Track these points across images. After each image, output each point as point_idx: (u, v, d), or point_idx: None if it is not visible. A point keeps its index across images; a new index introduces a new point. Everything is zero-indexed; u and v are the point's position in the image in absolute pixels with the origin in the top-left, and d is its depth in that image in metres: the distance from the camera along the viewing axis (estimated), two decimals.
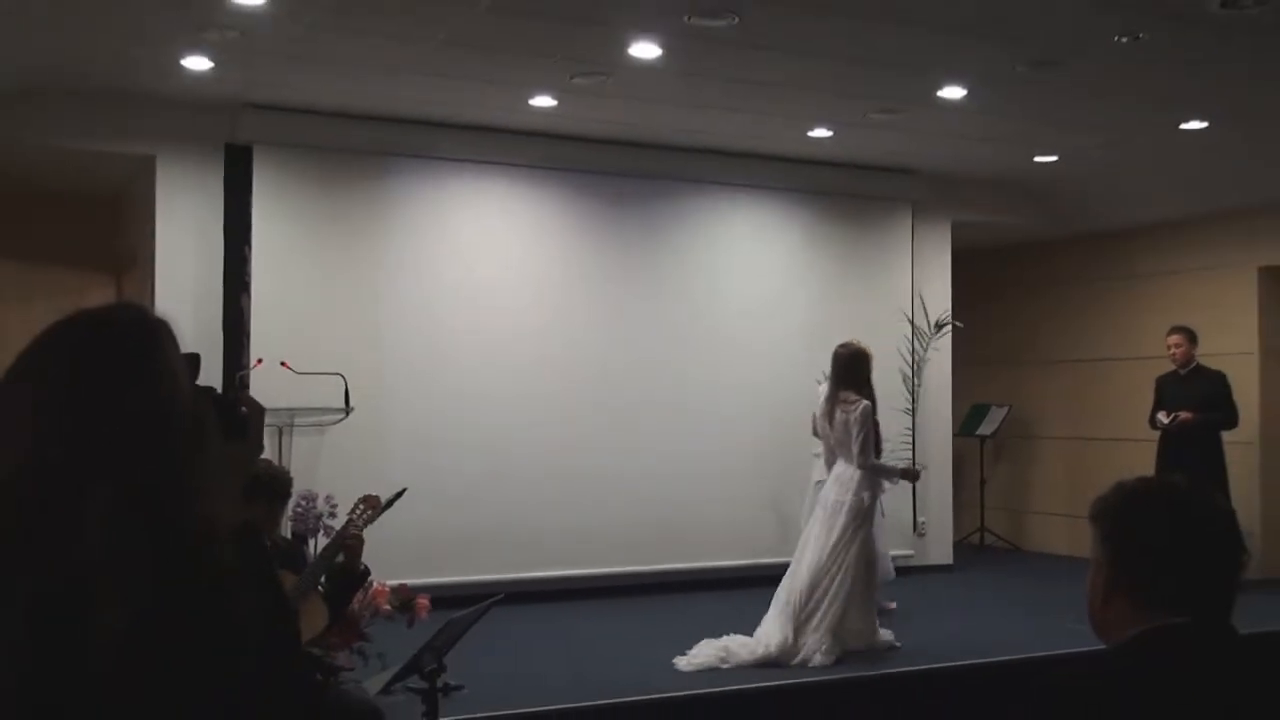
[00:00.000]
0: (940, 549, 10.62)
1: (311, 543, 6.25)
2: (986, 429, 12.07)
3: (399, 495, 4.81)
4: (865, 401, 7.07)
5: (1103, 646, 2.14)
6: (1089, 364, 11.54)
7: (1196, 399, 9.24)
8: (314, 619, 4.35)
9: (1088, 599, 2.16)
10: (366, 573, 4.60)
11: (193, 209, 8.22)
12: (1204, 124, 8.38)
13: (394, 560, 6.05)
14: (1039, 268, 12.09)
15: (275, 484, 4.66)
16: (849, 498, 6.98)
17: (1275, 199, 10.00)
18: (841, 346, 7.29)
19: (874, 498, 7.14)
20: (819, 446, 7.84)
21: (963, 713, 6.46)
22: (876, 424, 7.29)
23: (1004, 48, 6.82)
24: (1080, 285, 11.73)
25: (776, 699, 6.28)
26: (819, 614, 6.84)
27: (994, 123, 8.58)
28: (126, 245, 9.53)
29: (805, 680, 6.48)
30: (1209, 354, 9.59)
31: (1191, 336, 9.45)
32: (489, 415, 8.76)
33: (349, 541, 4.47)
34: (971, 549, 11.70)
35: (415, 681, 4.45)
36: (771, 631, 6.84)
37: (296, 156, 8.41)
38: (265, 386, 7.70)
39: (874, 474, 7.13)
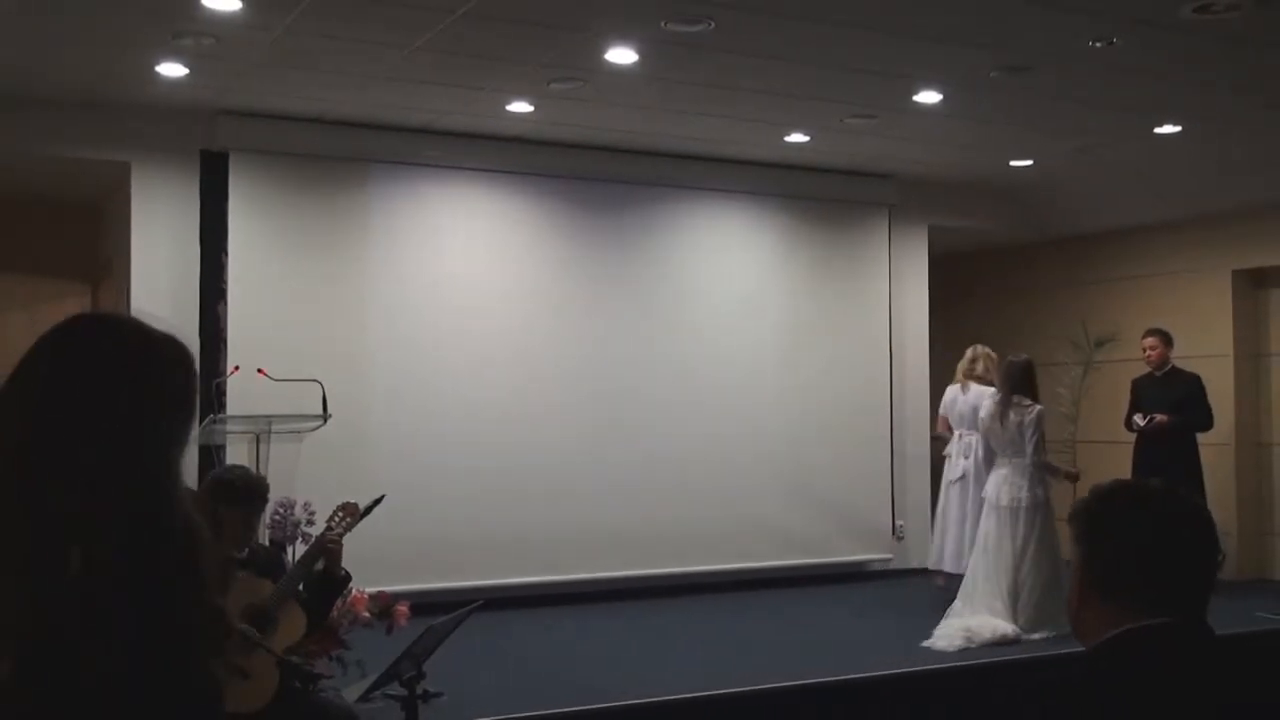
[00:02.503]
0: (919, 553, 10.62)
1: (290, 550, 6.23)
2: None
3: (377, 501, 4.79)
4: (1039, 406, 7.93)
5: (1081, 649, 2.15)
6: (1065, 367, 11.57)
7: (1172, 401, 9.28)
8: (293, 627, 4.33)
9: (1066, 601, 2.18)
10: (347, 578, 4.58)
11: (168, 216, 8.19)
12: (1178, 128, 8.43)
13: (372, 567, 6.03)
14: (1015, 272, 12.14)
15: (252, 491, 4.63)
16: (1025, 494, 7.78)
17: (1249, 203, 10.06)
18: (1013, 357, 8.09)
19: (1046, 491, 7.88)
20: (951, 447, 8.94)
21: (944, 715, 6.48)
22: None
23: (979, 53, 6.86)
24: (1056, 289, 11.78)
25: (759, 702, 6.28)
26: (1030, 603, 7.64)
27: (970, 127, 8.61)
28: (102, 253, 9.48)
29: (787, 685, 6.49)
30: (1184, 356, 9.65)
31: (1167, 339, 9.50)
32: (467, 421, 8.74)
33: (328, 546, 4.45)
34: None
35: (394, 689, 4.44)
36: (1001, 621, 7.59)
37: (273, 163, 8.38)
38: (242, 394, 7.68)
39: (1042, 471, 7.87)
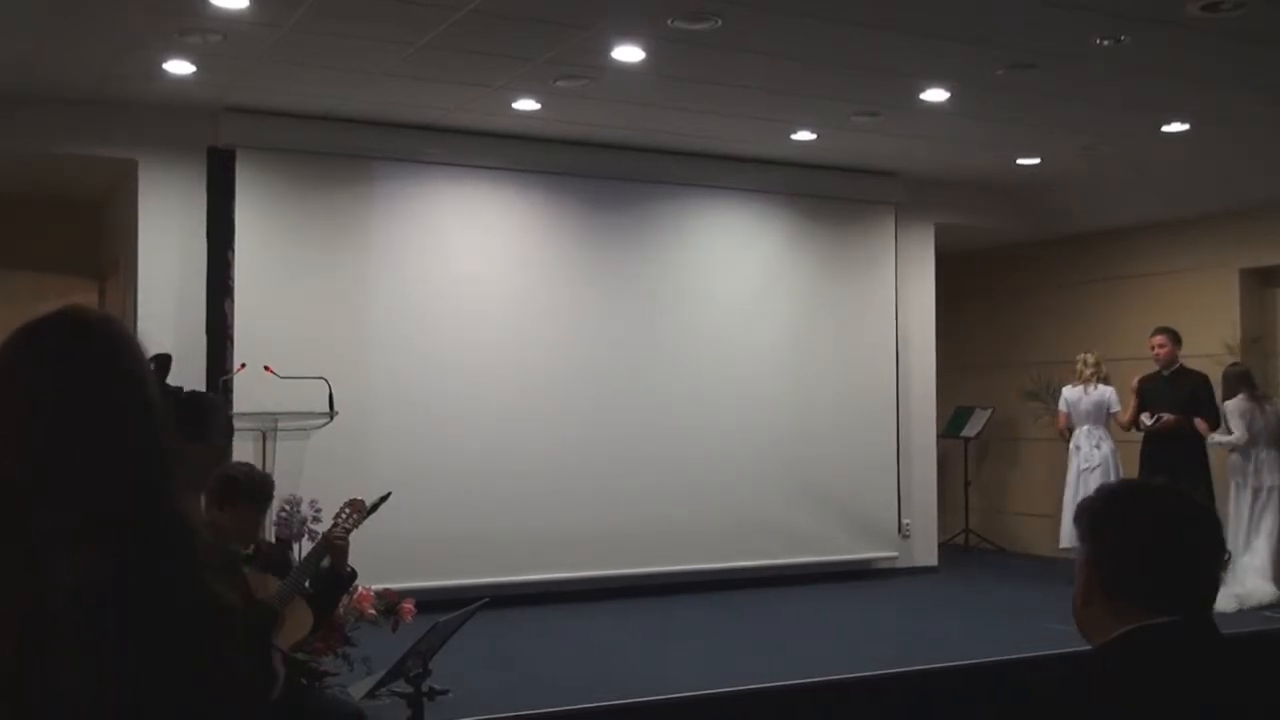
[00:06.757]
0: (925, 551, 10.64)
1: (296, 547, 6.24)
2: (970, 431, 12.10)
3: (384, 499, 4.80)
4: None
5: (1087, 647, 2.15)
6: (1072, 366, 11.55)
7: (1180, 400, 9.26)
8: (299, 623, 4.33)
9: (1072, 599, 2.18)
10: (353, 575, 4.59)
11: (175, 213, 8.20)
12: (1185, 126, 8.42)
13: (379, 564, 6.03)
14: (1022, 270, 12.13)
15: (257, 488, 4.63)
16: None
17: (1257, 201, 10.04)
18: (1234, 366, 9.31)
19: None
20: (1079, 440, 9.79)
21: (947, 714, 6.48)
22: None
23: (986, 51, 6.85)
24: (1063, 287, 11.76)
25: (763, 701, 6.28)
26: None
27: (976, 126, 8.60)
28: (109, 250, 9.50)
29: (791, 683, 6.49)
30: (1192, 355, 9.63)
31: (1175, 337, 9.47)
32: (473, 419, 8.75)
33: (334, 543, 4.46)
34: (956, 550, 11.72)
35: (400, 686, 4.44)
36: (1264, 587, 8.71)
37: (279, 160, 8.39)
38: (249, 391, 7.69)
39: None
